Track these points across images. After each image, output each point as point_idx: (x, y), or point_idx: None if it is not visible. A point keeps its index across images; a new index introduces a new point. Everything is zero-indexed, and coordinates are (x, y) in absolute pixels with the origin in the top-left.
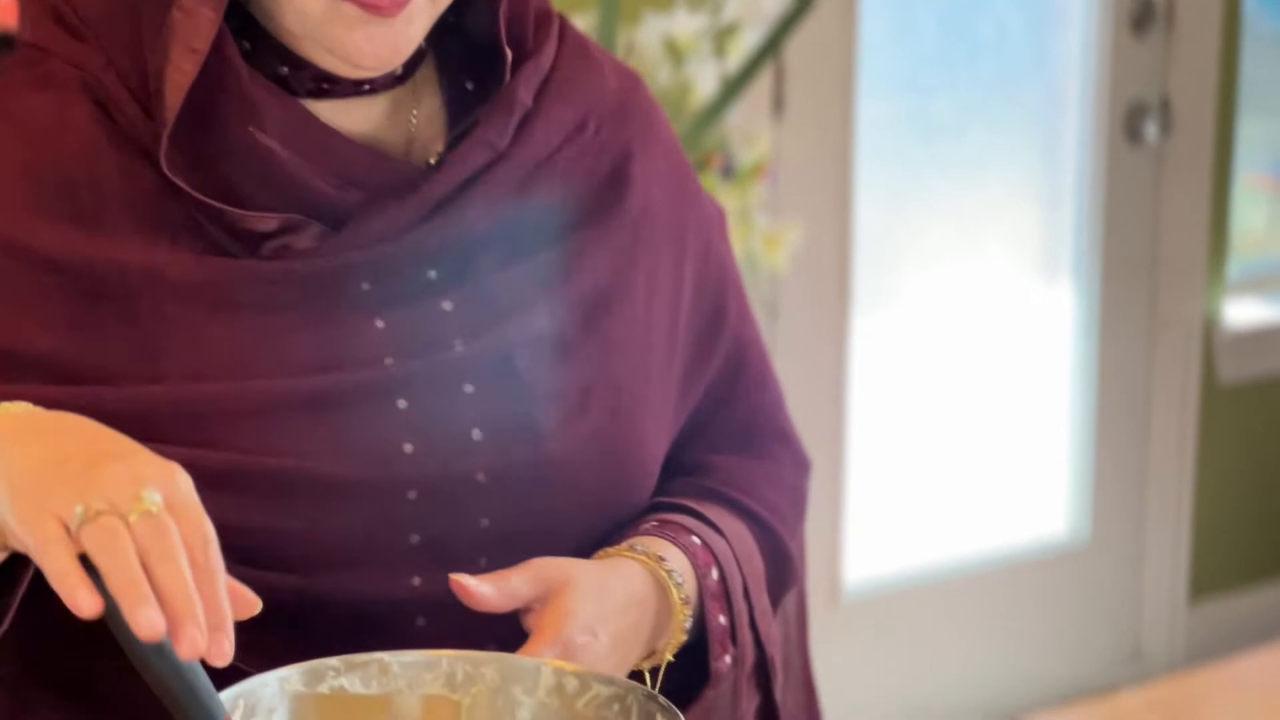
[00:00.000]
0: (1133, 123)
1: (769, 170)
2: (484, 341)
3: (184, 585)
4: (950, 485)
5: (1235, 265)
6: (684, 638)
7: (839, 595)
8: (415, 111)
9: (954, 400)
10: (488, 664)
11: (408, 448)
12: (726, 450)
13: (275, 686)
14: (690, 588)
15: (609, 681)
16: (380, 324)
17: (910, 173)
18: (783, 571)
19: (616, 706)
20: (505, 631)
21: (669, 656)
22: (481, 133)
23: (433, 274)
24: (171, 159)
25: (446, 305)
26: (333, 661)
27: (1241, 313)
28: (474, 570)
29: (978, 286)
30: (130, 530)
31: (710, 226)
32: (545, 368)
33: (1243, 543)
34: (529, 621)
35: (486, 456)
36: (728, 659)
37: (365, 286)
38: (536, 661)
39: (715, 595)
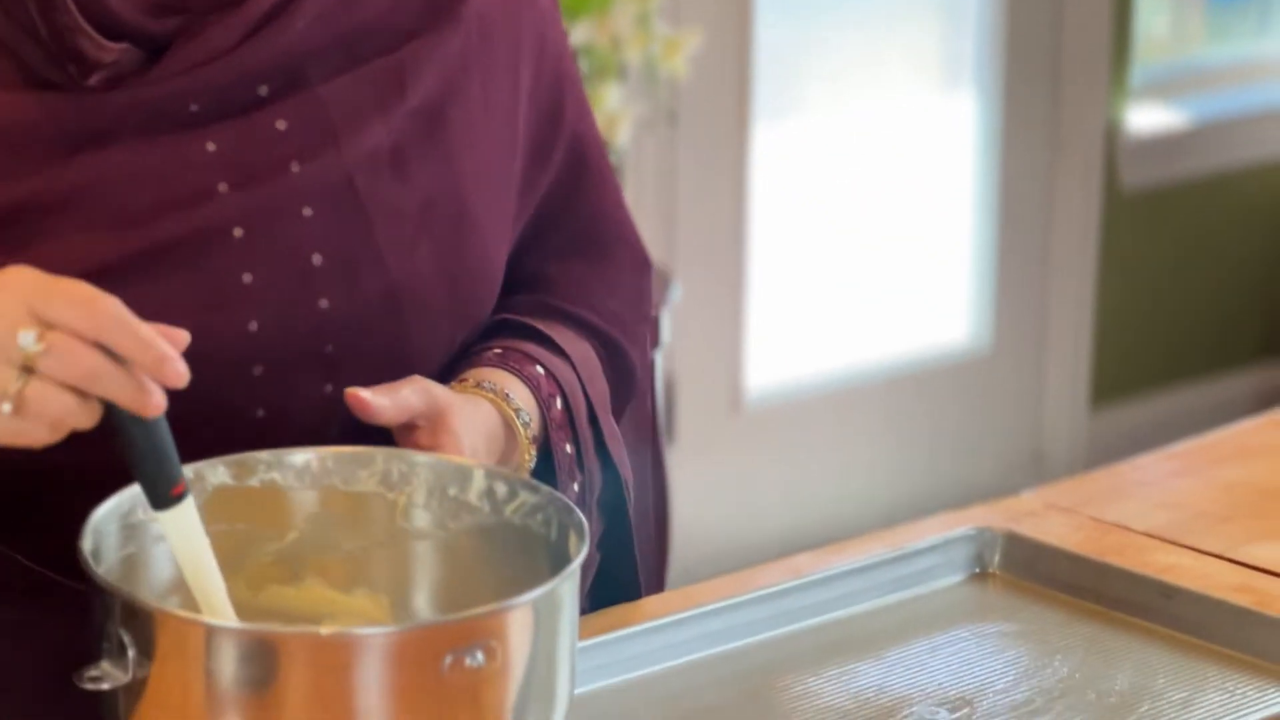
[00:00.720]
0: None
1: None
2: (320, 161)
3: (120, 378)
4: (853, 294)
5: (1138, 71)
6: (526, 476)
7: (741, 404)
8: None
9: (857, 210)
10: (422, 463)
11: (246, 278)
12: (567, 255)
13: (191, 477)
14: (536, 425)
15: (534, 489)
16: (211, 146)
17: None
18: (626, 386)
19: (540, 516)
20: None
21: None
22: None
23: (263, 90)
24: None
25: (280, 124)
26: (264, 455)
27: (1145, 119)
28: (318, 398)
29: (880, 96)
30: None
31: (544, 21)
32: (384, 184)
33: (1144, 349)
34: (417, 440)
35: (328, 282)
36: (575, 487)
37: (193, 108)
38: (469, 463)
39: (560, 425)
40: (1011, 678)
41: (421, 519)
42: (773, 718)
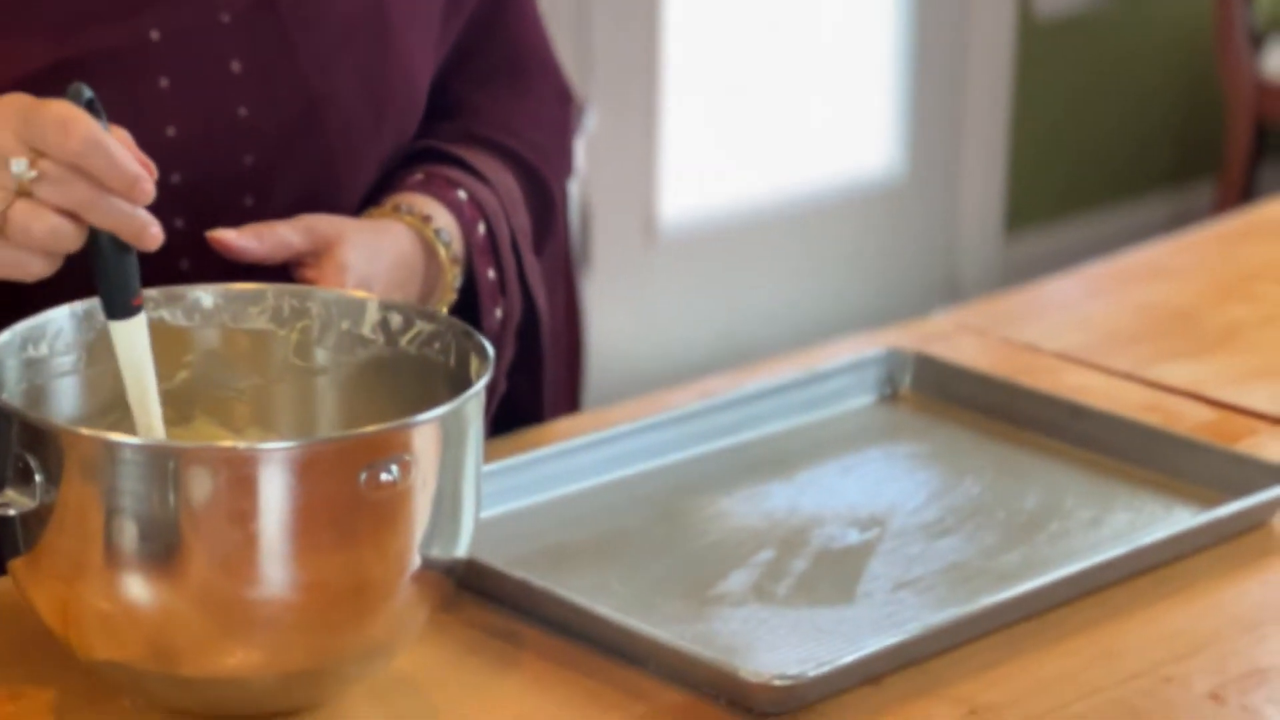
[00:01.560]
0: None
1: None
2: None
3: (115, 207)
4: (768, 121)
5: None
6: (454, 297)
7: (655, 231)
8: None
9: (772, 35)
10: (313, 298)
11: (163, 82)
12: (489, 83)
13: (83, 316)
14: (458, 246)
15: (430, 318)
16: None
17: None
18: (548, 218)
19: (437, 344)
20: (271, 280)
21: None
22: None
23: None
24: None
25: None
26: (151, 293)
27: None
28: (238, 211)
29: None
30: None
31: None
32: None
33: (1057, 176)
34: (303, 275)
35: (247, 90)
36: (498, 313)
37: None
38: (363, 295)
39: (483, 250)
40: (922, 498)
41: (315, 355)
42: (684, 538)
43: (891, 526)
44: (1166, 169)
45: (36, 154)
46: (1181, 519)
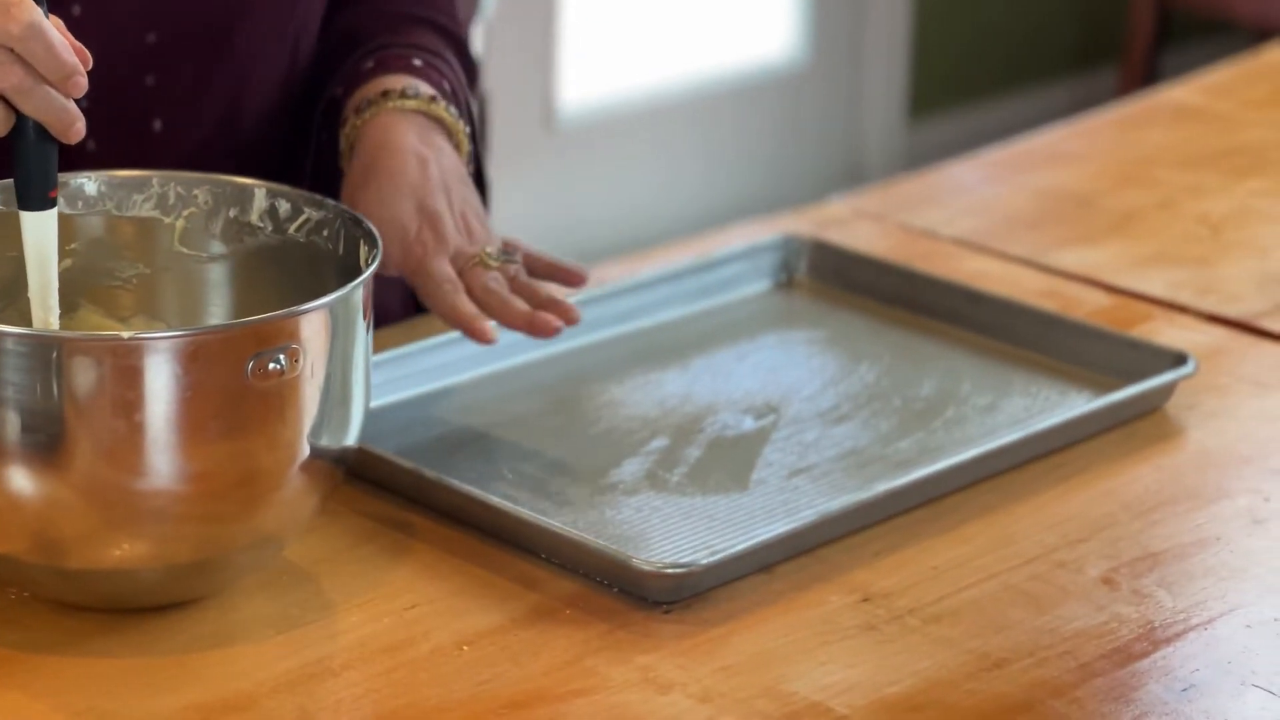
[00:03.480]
0: None
1: None
2: None
3: (47, 96)
4: (669, 6)
5: None
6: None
7: (554, 120)
8: None
9: None
10: (200, 185)
11: (75, 10)
12: None
13: None
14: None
15: (319, 205)
16: None
17: None
18: (473, 86)
19: (325, 232)
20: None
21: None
22: None
23: None
24: None
25: None
26: None
27: None
28: (140, 90)
29: None
30: None
31: None
32: None
33: (961, 62)
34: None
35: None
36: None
37: None
38: (250, 182)
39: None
40: (817, 384)
41: (202, 243)
42: (577, 427)
43: (786, 414)
44: (1071, 54)
45: None
46: (1076, 404)
